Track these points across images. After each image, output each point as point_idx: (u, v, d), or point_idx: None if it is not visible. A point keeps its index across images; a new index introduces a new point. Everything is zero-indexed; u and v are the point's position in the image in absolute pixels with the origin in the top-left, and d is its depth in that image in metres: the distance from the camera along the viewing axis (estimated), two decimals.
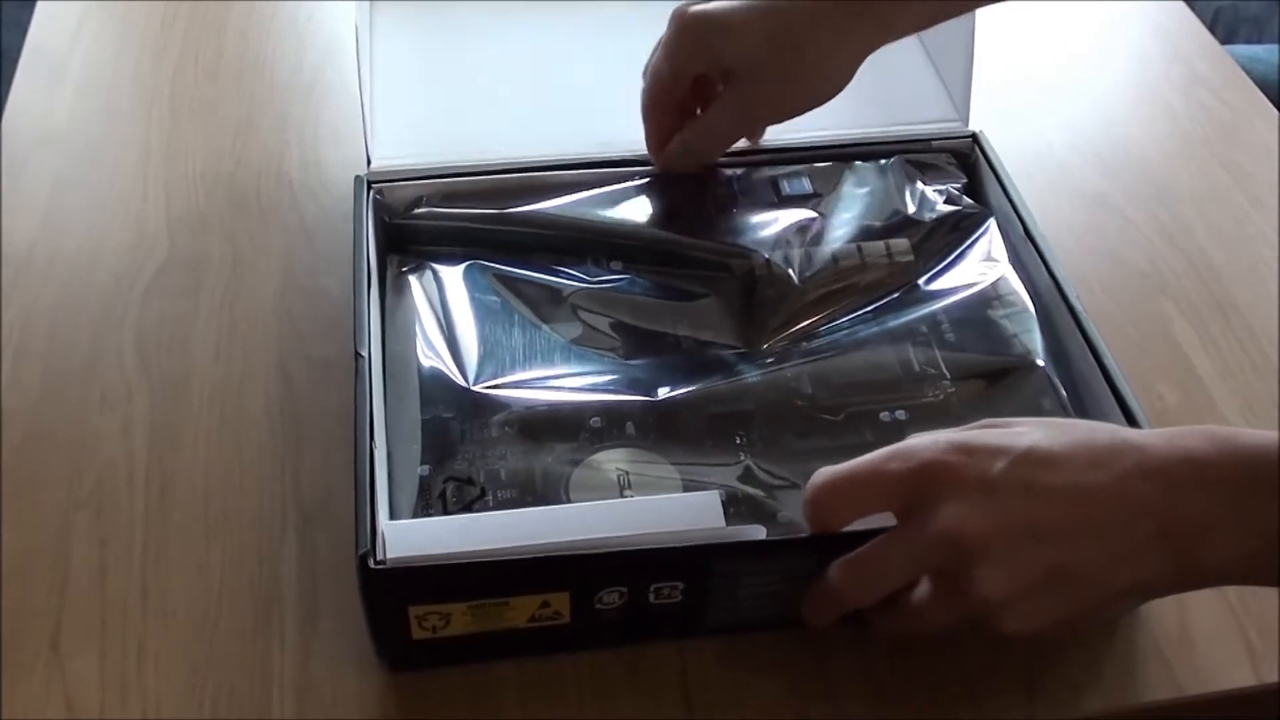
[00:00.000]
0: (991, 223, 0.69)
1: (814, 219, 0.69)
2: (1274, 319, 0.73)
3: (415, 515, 0.57)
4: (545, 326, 0.65)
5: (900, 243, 0.68)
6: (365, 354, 0.59)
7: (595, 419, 0.60)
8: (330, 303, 0.73)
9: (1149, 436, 0.51)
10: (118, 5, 0.94)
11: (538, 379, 0.62)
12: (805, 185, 0.71)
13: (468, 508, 0.57)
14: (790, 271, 0.66)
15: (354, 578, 0.53)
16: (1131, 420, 0.58)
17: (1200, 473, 0.49)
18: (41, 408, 0.67)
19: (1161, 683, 0.57)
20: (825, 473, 0.53)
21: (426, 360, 0.62)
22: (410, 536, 0.53)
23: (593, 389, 0.61)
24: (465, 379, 0.61)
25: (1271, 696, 0.58)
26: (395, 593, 0.53)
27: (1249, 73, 0.90)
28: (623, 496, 0.57)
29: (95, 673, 0.57)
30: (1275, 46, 1.12)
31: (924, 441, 0.51)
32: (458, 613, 0.54)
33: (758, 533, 0.54)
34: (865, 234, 0.68)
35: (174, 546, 0.62)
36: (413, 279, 0.67)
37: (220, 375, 0.69)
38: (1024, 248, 0.68)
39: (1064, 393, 0.61)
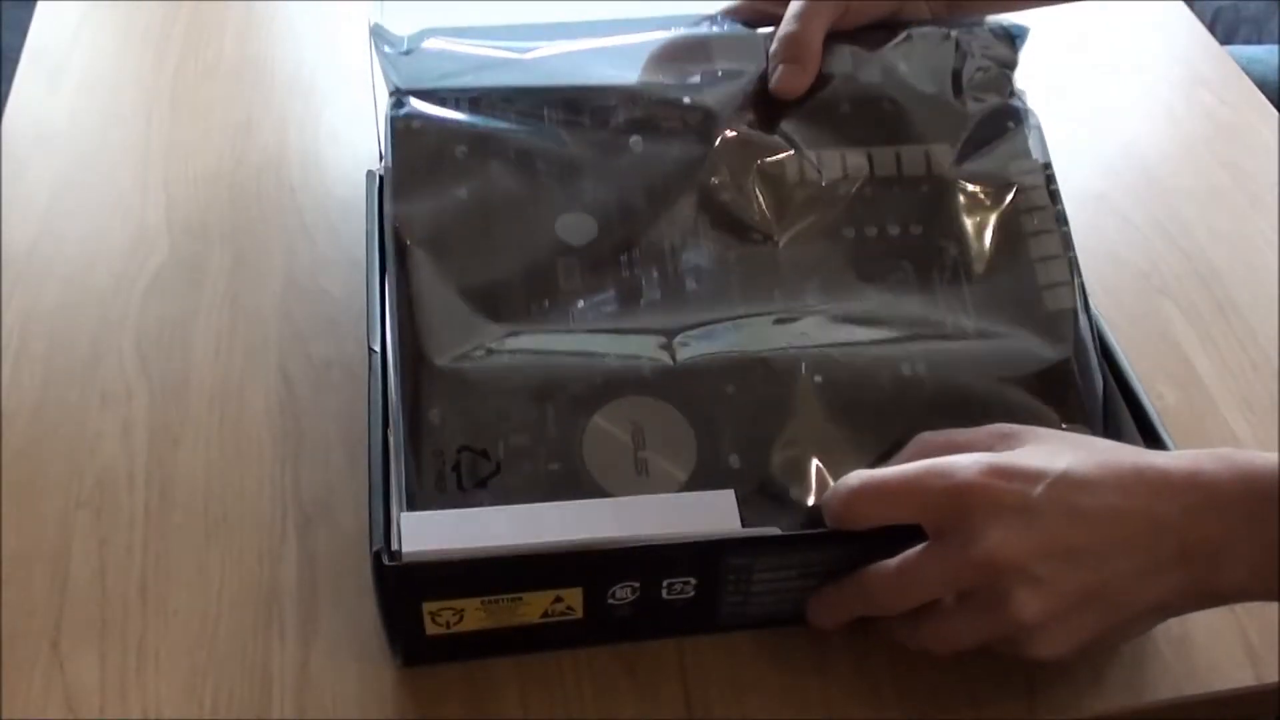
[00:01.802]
0: (1035, 121, 0.67)
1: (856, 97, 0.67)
2: (1274, 319, 0.73)
3: (427, 487, 0.56)
4: (556, 225, 0.61)
5: (941, 149, 0.65)
6: (378, 349, 0.59)
7: (606, 375, 0.58)
8: (330, 303, 0.73)
9: (1168, 459, 0.52)
10: (118, 5, 0.94)
11: (548, 320, 0.60)
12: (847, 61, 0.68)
13: (482, 484, 0.56)
14: (820, 170, 0.64)
15: (355, 577, 0.53)
16: (1145, 423, 0.58)
17: (1214, 495, 0.50)
18: (41, 408, 0.67)
19: (1161, 683, 0.57)
20: (860, 475, 0.54)
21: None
22: (426, 531, 0.53)
23: (607, 329, 0.60)
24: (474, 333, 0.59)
25: (1271, 696, 0.58)
26: (409, 589, 0.53)
27: (1249, 73, 0.90)
28: (637, 458, 0.56)
29: (95, 673, 0.57)
30: (1275, 46, 1.13)
31: (963, 461, 0.52)
32: (471, 608, 0.54)
33: (771, 529, 0.54)
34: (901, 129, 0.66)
35: (174, 546, 0.62)
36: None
37: (220, 375, 0.69)
38: None
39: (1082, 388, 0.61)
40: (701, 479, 0.56)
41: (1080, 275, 0.62)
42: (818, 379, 0.59)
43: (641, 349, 0.59)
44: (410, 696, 0.56)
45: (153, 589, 0.60)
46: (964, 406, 0.59)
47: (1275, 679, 0.58)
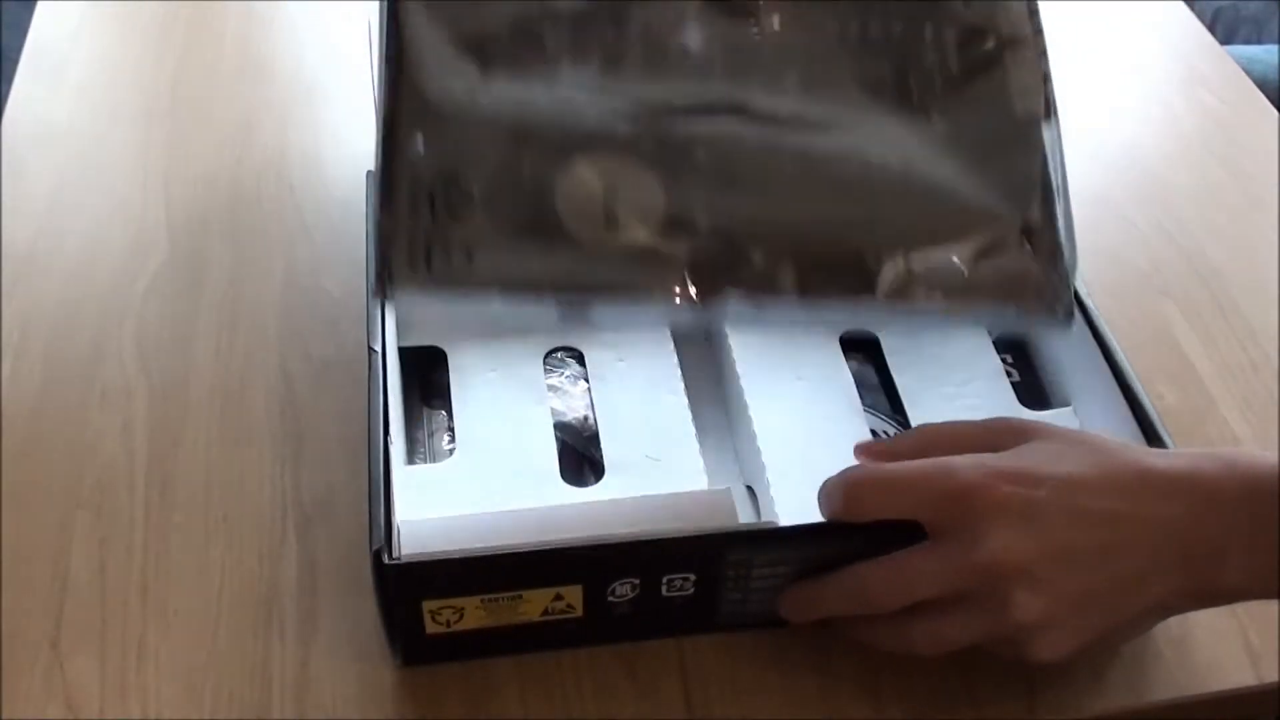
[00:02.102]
0: None
1: None
2: (1274, 319, 0.73)
3: (400, 212, 0.54)
4: None
5: None
6: (378, 349, 0.59)
7: (584, 130, 0.57)
8: (330, 303, 0.73)
9: (1170, 460, 0.52)
10: (118, 5, 0.94)
11: (532, 76, 0.58)
12: None
13: (456, 216, 0.55)
14: None
15: (355, 577, 0.54)
16: (1146, 423, 0.58)
17: (1215, 497, 0.50)
18: (41, 408, 0.67)
19: (1161, 683, 0.57)
20: (865, 469, 0.54)
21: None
22: (425, 532, 0.53)
23: (589, 90, 0.58)
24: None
25: (1271, 696, 0.58)
26: (409, 588, 0.53)
27: (1249, 73, 0.90)
28: (607, 210, 0.56)
29: (95, 673, 0.57)
30: (1275, 46, 1.13)
31: (966, 463, 0.52)
32: (471, 607, 0.54)
33: (770, 523, 0.55)
34: None
35: (174, 546, 0.62)
36: None
37: (220, 375, 0.69)
38: None
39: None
40: (669, 234, 0.55)
41: (1050, 85, 0.62)
42: (790, 157, 0.58)
43: (620, 113, 0.58)
44: (410, 696, 0.56)
45: (153, 589, 0.60)
46: (930, 196, 0.58)
47: (1275, 679, 0.58)
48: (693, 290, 0.54)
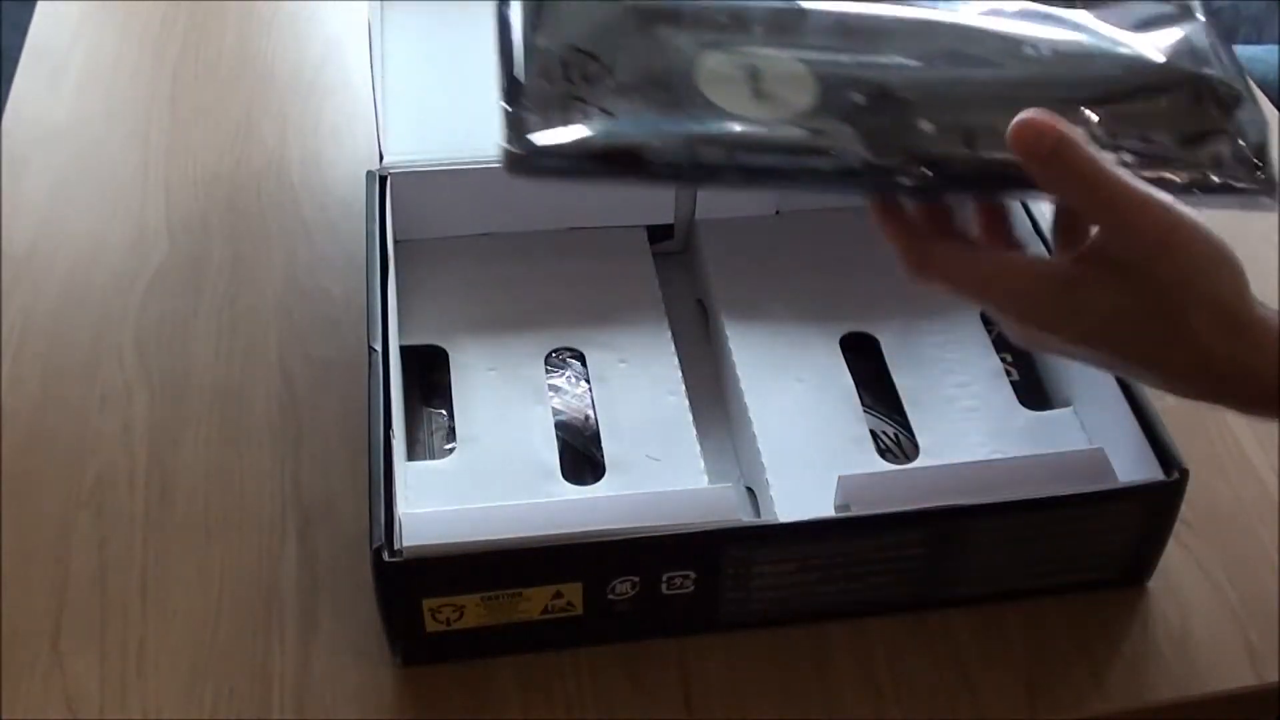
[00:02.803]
0: None
1: None
2: None
3: (532, 76, 0.50)
4: None
5: None
6: (379, 348, 0.59)
7: (728, 15, 0.54)
8: (330, 303, 0.73)
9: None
10: (118, 5, 0.94)
11: None
12: None
13: (590, 80, 0.50)
14: None
15: (355, 577, 0.53)
16: (1145, 421, 0.58)
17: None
18: (41, 408, 0.67)
19: (1162, 683, 0.57)
20: (1079, 136, 0.49)
21: None
22: (427, 525, 0.53)
23: None
24: None
25: (1271, 696, 0.58)
26: (409, 584, 0.53)
27: (1249, 73, 0.90)
28: (755, 87, 0.52)
29: (95, 673, 0.57)
30: (1275, 46, 1.13)
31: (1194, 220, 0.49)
32: (471, 605, 0.54)
33: (769, 519, 0.55)
34: None
35: (174, 546, 0.62)
36: None
37: (220, 375, 0.69)
38: (1034, 245, 0.67)
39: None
40: (823, 112, 0.51)
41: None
42: (940, 50, 0.54)
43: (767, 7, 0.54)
44: (410, 696, 0.56)
45: (153, 589, 0.60)
46: (1107, 58, 0.54)
47: (1275, 679, 0.58)
48: (868, 154, 0.50)
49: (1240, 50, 1.07)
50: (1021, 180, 0.49)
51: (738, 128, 0.50)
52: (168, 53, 0.90)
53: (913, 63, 0.53)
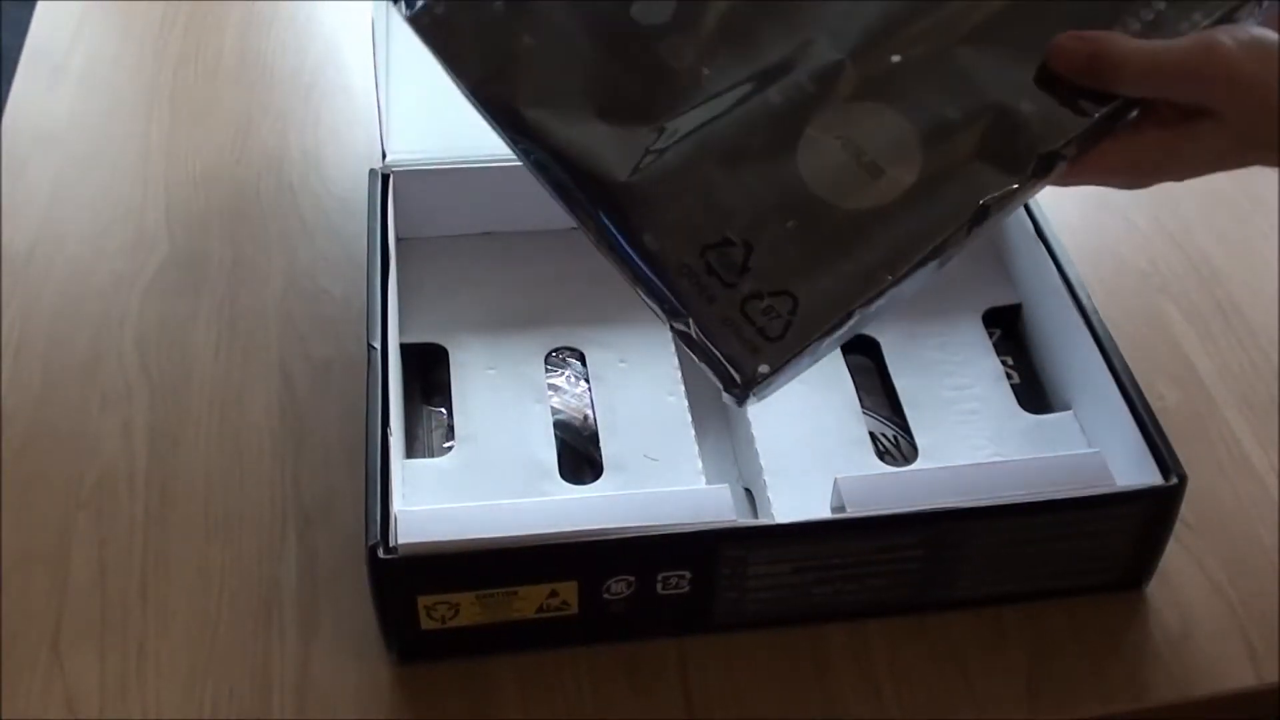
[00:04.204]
0: None
1: None
2: (1274, 319, 0.73)
3: (691, 296, 0.51)
4: (634, 12, 0.55)
5: None
6: (378, 346, 0.59)
7: (785, 102, 0.53)
8: (330, 303, 0.73)
9: None
10: (118, 5, 0.94)
11: (688, 98, 0.54)
12: None
13: (746, 269, 0.50)
14: None
15: (355, 577, 0.53)
16: (1145, 425, 0.58)
17: None
18: (41, 408, 0.67)
19: (1162, 683, 0.57)
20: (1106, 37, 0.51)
21: None
22: (423, 522, 0.53)
23: (752, 73, 0.54)
24: None
25: (1271, 696, 0.58)
26: (404, 582, 0.53)
27: None
28: (861, 164, 0.51)
29: (95, 673, 0.57)
30: None
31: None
32: (466, 602, 0.54)
33: (765, 520, 0.55)
34: None
35: (174, 546, 0.62)
36: None
37: (220, 375, 0.69)
38: (1035, 247, 0.67)
39: None
40: (938, 141, 0.51)
41: None
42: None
43: (803, 69, 0.53)
44: (410, 696, 0.56)
45: (153, 589, 0.60)
46: None
47: (1275, 679, 0.58)
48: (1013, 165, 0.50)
49: None
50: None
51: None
52: (168, 53, 0.90)
53: None
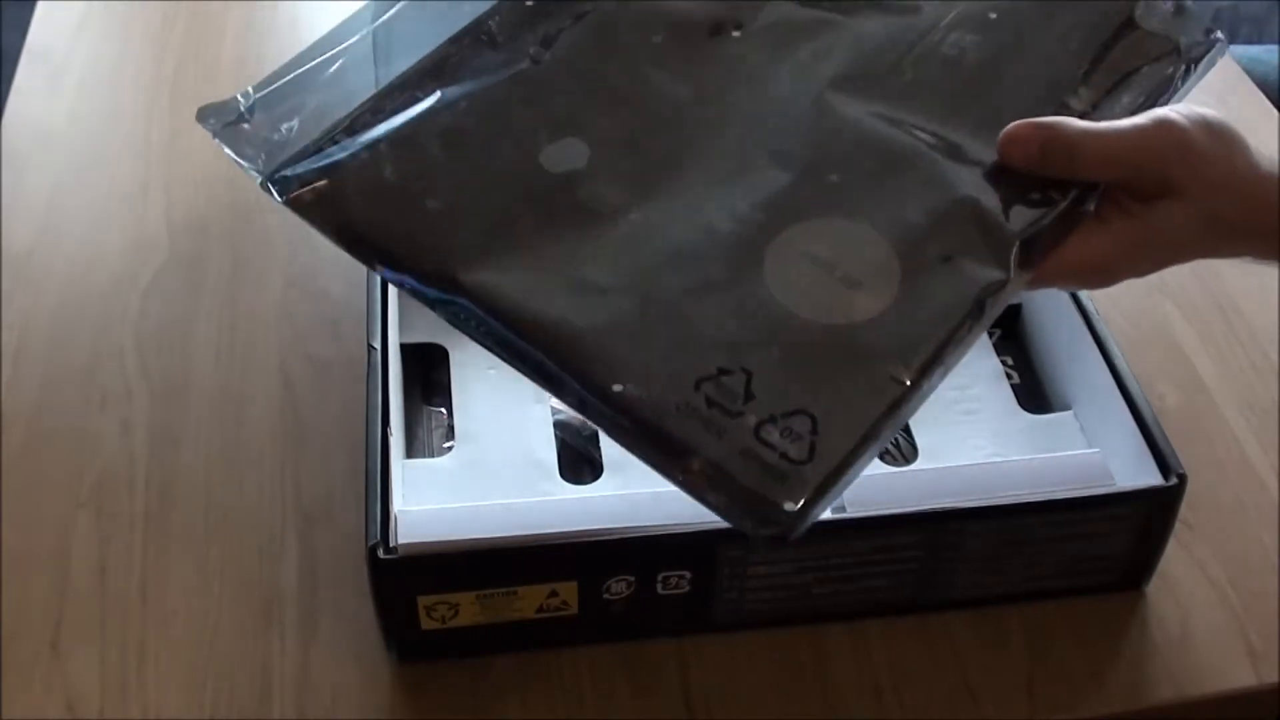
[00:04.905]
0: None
1: None
2: (1274, 319, 0.73)
3: (698, 436, 0.45)
4: (543, 159, 0.53)
5: None
6: (378, 346, 0.59)
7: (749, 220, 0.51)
8: (330, 303, 0.73)
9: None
10: (118, 5, 0.94)
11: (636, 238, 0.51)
12: None
13: (750, 395, 0.46)
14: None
15: (354, 577, 0.53)
16: (1145, 426, 0.58)
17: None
18: (41, 408, 0.67)
19: (1161, 683, 0.57)
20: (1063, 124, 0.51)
21: None
22: (423, 522, 0.53)
23: (691, 199, 0.52)
24: None
25: (1271, 696, 0.58)
26: (404, 582, 0.53)
27: (1249, 73, 0.90)
28: (851, 287, 0.49)
29: (95, 673, 0.57)
30: (1275, 46, 1.12)
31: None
32: (466, 603, 0.54)
33: None
34: None
35: (174, 546, 0.62)
36: None
37: (220, 376, 0.69)
38: None
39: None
40: (930, 235, 0.50)
41: None
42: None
43: (743, 196, 0.52)
44: (410, 696, 0.56)
45: (153, 589, 0.60)
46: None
47: (1275, 679, 0.58)
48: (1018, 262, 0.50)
49: (1240, 50, 1.07)
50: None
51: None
52: (168, 53, 0.90)
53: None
